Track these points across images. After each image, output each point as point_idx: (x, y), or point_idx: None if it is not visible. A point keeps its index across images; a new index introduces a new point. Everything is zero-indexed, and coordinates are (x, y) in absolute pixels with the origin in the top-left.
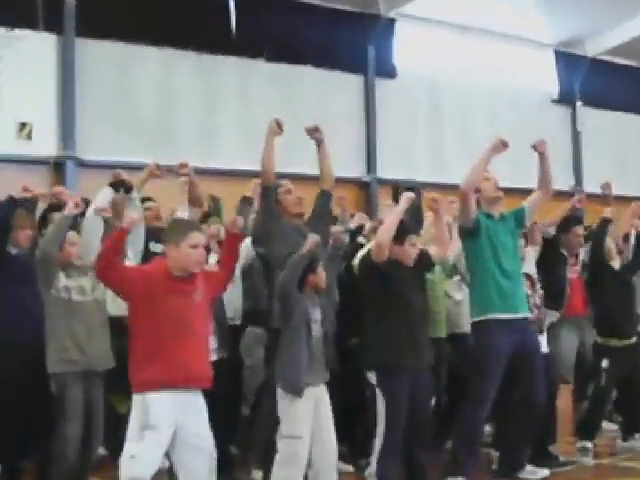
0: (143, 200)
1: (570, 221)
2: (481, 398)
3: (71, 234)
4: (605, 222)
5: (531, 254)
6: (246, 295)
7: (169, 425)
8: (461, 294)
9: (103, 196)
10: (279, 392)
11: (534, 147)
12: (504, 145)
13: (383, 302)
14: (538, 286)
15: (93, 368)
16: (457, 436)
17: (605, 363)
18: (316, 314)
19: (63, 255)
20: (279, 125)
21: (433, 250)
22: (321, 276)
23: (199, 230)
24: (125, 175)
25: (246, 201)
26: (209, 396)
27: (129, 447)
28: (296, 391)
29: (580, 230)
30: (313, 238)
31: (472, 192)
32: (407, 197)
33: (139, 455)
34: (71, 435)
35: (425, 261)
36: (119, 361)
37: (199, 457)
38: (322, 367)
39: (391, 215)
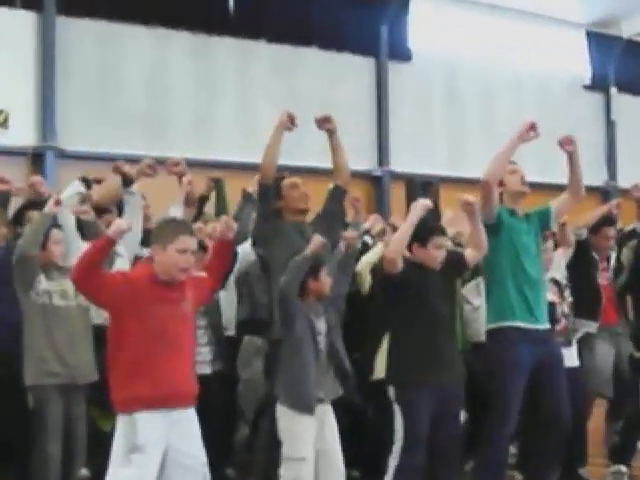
0: None
1: (602, 221)
2: (504, 413)
3: (55, 232)
4: None
5: (560, 257)
6: (242, 303)
7: (159, 446)
8: (479, 299)
9: (72, 190)
10: (279, 410)
11: (560, 144)
12: (533, 130)
13: (403, 310)
14: (567, 292)
15: (75, 381)
16: (480, 457)
17: None
18: (320, 325)
19: (45, 254)
20: (291, 119)
21: (468, 252)
22: (324, 283)
23: (190, 234)
24: (127, 166)
25: (248, 197)
26: (202, 413)
27: (115, 473)
28: (306, 408)
29: (611, 232)
30: (318, 239)
31: (495, 183)
32: (422, 204)
33: None
34: (52, 455)
35: (456, 263)
36: (102, 373)
37: (188, 476)
38: (330, 381)
39: (403, 225)
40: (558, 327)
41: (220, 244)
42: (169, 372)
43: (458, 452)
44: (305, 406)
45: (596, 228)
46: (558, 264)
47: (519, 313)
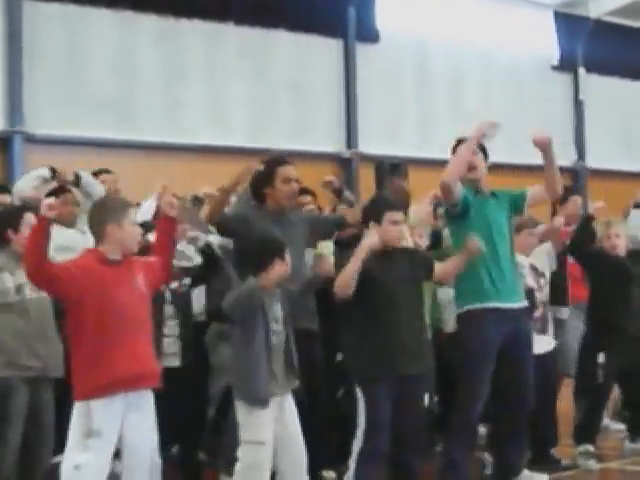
0: (96, 173)
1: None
2: (471, 399)
3: (28, 216)
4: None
5: (545, 249)
6: (209, 291)
7: (114, 430)
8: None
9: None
10: (236, 400)
11: (534, 143)
12: (493, 129)
13: (364, 301)
14: (543, 281)
15: (45, 374)
16: (449, 439)
17: (601, 358)
18: (276, 311)
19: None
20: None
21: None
22: (285, 266)
23: (132, 206)
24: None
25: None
26: (172, 401)
27: (72, 457)
28: (260, 403)
29: (580, 200)
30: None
31: (454, 184)
32: (368, 244)
33: (84, 465)
34: (12, 444)
35: (423, 267)
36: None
37: (139, 459)
38: (288, 374)
39: (349, 264)
40: (536, 314)
41: (165, 221)
42: (130, 355)
43: (422, 436)
44: (257, 401)
45: (565, 198)
46: (540, 253)
47: (491, 294)
